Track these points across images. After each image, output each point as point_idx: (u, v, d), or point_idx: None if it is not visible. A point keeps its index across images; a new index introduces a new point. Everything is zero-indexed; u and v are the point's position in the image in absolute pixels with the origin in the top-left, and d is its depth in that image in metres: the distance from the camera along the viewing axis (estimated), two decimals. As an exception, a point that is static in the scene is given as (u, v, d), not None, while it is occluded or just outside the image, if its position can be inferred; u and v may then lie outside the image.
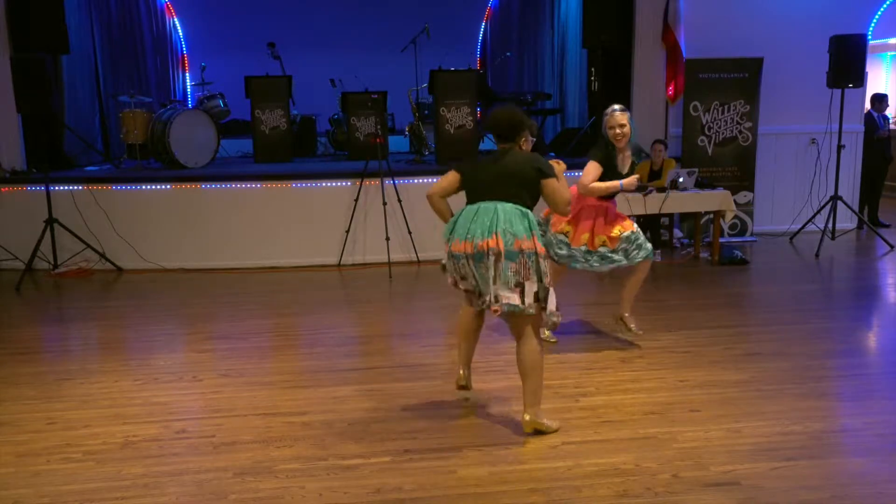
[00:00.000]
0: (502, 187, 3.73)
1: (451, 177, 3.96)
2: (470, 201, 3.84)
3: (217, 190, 7.67)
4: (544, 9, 10.98)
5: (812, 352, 4.90)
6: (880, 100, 9.39)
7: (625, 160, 4.90)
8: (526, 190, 3.75)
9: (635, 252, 4.90)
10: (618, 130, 4.76)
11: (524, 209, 3.71)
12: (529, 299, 3.63)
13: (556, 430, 3.77)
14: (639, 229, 4.99)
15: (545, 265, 3.68)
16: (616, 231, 4.89)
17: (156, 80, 10.83)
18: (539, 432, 3.73)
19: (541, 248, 3.66)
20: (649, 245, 4.96)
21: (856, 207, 9.01)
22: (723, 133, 8.52)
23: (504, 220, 3.62)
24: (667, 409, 4.03)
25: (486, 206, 3.71)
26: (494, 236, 3.59)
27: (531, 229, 3.66)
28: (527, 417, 3.73)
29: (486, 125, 4.03)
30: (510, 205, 3.69)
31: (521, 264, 3.61)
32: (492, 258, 3.59)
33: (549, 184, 3.77)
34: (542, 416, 3.77)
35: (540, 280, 3.65)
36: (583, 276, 7.21)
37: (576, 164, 8.16)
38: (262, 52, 9.99)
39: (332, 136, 10.45)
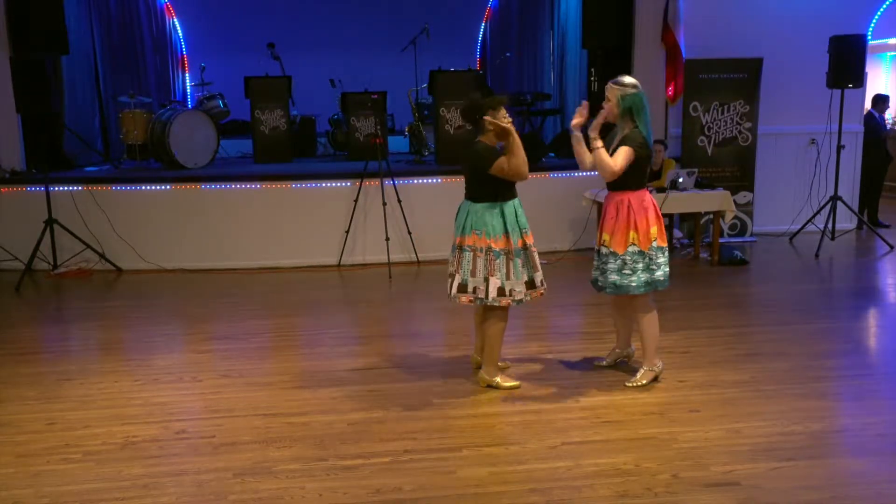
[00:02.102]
0: (467, 184, 4.32)
1: None
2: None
3: (217, 190, 7.67)
4: (544, 9, 10.97)
5: (812, 352, 4.90)
6: (882, 100, 9.39)
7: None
8: (475, 179, 4.24)
9: (605, 276, 4.30)
10: (603, 103, 4.24)
11: (468, 203, 4.26)
12: (453, 290, 4.26)
13: (513, 387, 4.29)
14: (633, 258, 4.20)
15: (476, 259, 4.17)
16: (605, 237, 4.30)
17: (156, 80, 10.82)
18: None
19: (473, 242, 4.18)
20: (622, 280, 4.21)
21: (855, 208, 9.01)
22: (722, 133, 8.52)
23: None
24: (667, 409, 4.03)
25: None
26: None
27: (471, 227, 4.20)
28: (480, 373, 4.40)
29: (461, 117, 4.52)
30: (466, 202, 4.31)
31: (455, 258, 4.28)
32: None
33: (495, 168, 4.11)
34: (495, 374, 4.34)
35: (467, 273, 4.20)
36: (581, 275, 7.22)
37: (575, 165, 8.20)
38: (261, 53, 10.00)
39: (331, 137, 10.46)
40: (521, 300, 4.20)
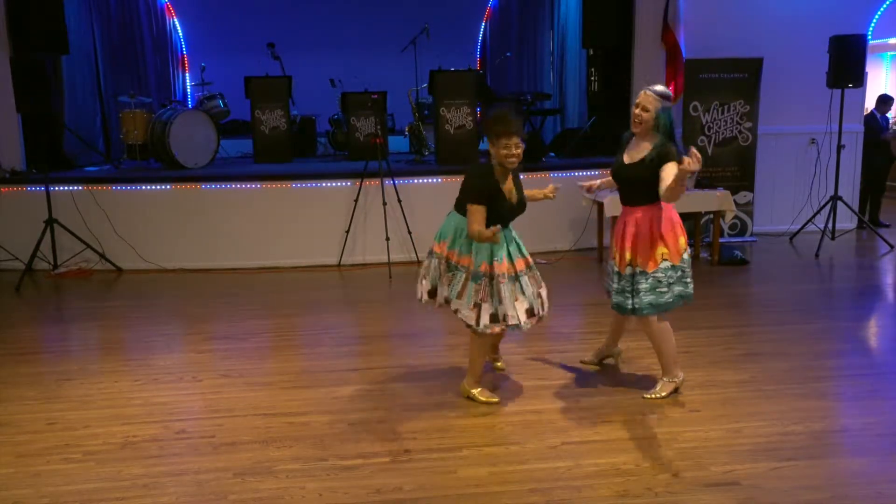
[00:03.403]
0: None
1: None
2: None
3: (217, 190, 7.67)
4: (544, 9, 10.99)
5: (812, 352, 4.90)
6: (885, 101, 9.38)
7: (635, 154, 4.04)
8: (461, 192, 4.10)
9: (625, 298, 4.10)
10: (636, 111, 3.96)
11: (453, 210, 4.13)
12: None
13: (490, 402, 4.11)
14: (666, 274, 4.00)
15: (466, 281, 4.00)
16: (629, 255, 4.06)
17: (156, 80, 10.84)
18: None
19: (470, 263, 3.99)
20: (659, 297, 4.02)
21: (856, 207, 9.01)
22: (723, 133, 8.52)
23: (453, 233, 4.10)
24: (667, 409, 4.03)
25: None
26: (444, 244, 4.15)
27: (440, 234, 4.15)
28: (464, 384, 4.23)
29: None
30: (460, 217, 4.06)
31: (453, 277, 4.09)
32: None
33: (470, 209, 3.93)
34: (474, 386, 4.18)
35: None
36: (581, 275, 7.23)
37: (575, 165, 8.24)
38: (262, 53, 10.00)
39: (332, 137, 10.47)
40: (470, 325, 3.96)
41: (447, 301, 4.08)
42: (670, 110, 3.97)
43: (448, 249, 4.08)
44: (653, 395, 4.15)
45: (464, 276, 3.99)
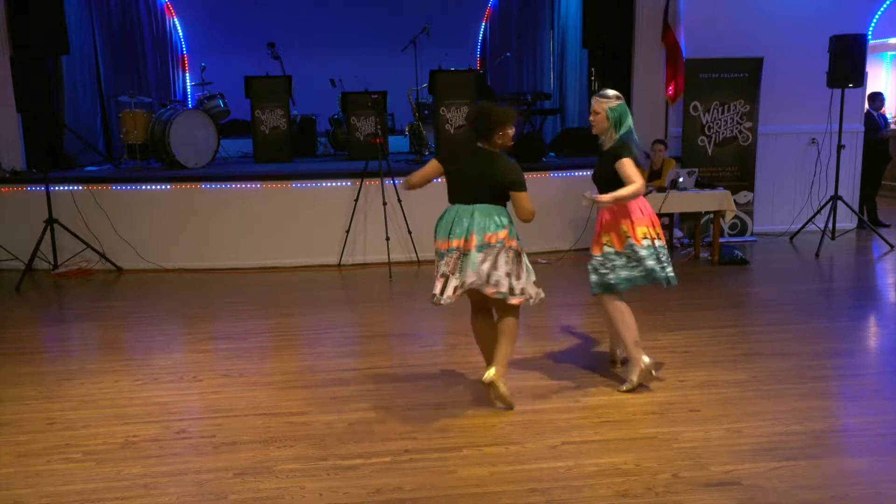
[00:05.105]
0: (480, 190, 4.01)
1: (433, 167, 4.29)
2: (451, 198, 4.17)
3: (217, 190, 7.67)
4: (544, 9, 10.98)
5: (812, 352, 4.90)
6: (874, 98, 9.38)
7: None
8: (499, 194, 4.05)
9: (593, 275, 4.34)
10: (591, 117, 4.29)
11: (496, 206, 4.04)
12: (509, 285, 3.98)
13: (508, 405, 4.03)
14: (612, 256, 4.27)
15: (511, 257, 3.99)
16: (605, 238, 4.31)
17: (156, 80, 10.83)
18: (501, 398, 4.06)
19: (512, 242, 3.99)
20: (601, 277, 4.28)
21: (856, 207, 9.01)
22: (723, 133, 8.52)
23: (479, 220, 3.98)
24: (667, 409, 4.03)
25: (464, 209, 4.05)
26: (473, 235, 3.97)
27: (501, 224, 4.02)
28: (492, 373, 4.01)
29: (466, 121, 4.31)
30: (483, 205, 4.02)
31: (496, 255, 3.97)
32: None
33: (518, 196, 4.02)
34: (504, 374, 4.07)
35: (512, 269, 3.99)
36: (581, 275, 7.21)
37: (575, 165, 8.24)
38: (262, 52, 9.99)
39: (332, 136, 10.46)
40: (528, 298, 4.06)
41: (489, 281, 3.94)
42: (620, 105, 4.24)
43: (478, 235, 3.96)
44: (627, 387, 4.25)
45: (499, 249, 3.95)
